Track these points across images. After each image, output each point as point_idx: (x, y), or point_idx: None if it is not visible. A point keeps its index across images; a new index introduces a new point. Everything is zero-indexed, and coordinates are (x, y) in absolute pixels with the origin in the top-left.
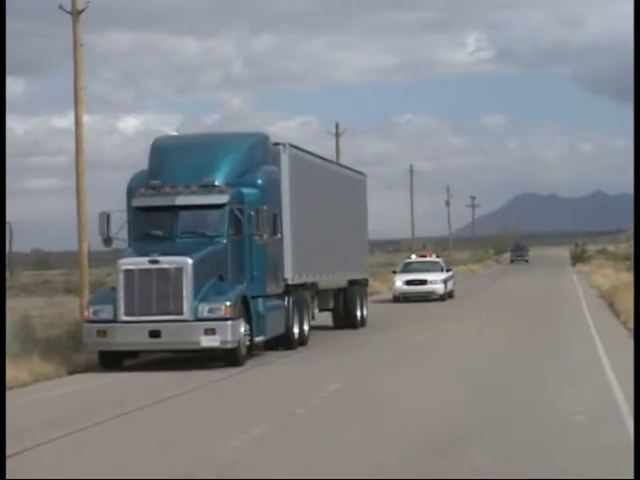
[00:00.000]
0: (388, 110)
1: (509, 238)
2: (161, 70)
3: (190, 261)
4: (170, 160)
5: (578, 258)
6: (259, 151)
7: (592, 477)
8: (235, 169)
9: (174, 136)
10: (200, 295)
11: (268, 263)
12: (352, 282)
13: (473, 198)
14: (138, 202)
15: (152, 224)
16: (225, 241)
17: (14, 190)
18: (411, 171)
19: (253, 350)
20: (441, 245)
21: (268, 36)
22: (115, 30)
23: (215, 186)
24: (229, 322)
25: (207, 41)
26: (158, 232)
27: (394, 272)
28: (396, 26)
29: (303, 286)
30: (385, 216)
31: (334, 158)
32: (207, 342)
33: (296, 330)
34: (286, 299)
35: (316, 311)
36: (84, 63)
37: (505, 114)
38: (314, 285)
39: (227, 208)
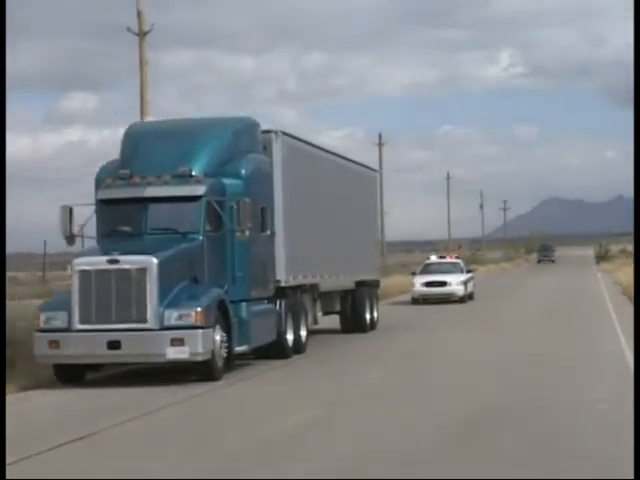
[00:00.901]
0: (427, 121)
1: (538, 239)
2: (219, 85)
3: (155, 260)
4: (143, 148)
5: (602, 257)
6: (246, 138)
7: None
8: (216, 157)
9: (150, 122)
10: (167, 300)
11: (254, 263)
12: (361, 283)
13: (505, 202)
14: (103, 194)
15: (119, 219)
16: (201, 238)
17: (89, 195)
18: (448, 177)
19: (237, 360)
20: (475, 245)
21: (318, 54)
22: (177, 49)
23: (191, 176)
24: (200, 331)
25: (262, 59)
26: (125, 228)
27: (413, 273)
28: (435, 44)
29: (300, 288)
30: (424, 218)
31: (377, 166)
32: (174, 354)
33: (290, 337)
34: (278, 303)
35: (319, 315)
36: (149, 79)
37: (535, 125)
38: (314, 287)
39: (204, 200)
